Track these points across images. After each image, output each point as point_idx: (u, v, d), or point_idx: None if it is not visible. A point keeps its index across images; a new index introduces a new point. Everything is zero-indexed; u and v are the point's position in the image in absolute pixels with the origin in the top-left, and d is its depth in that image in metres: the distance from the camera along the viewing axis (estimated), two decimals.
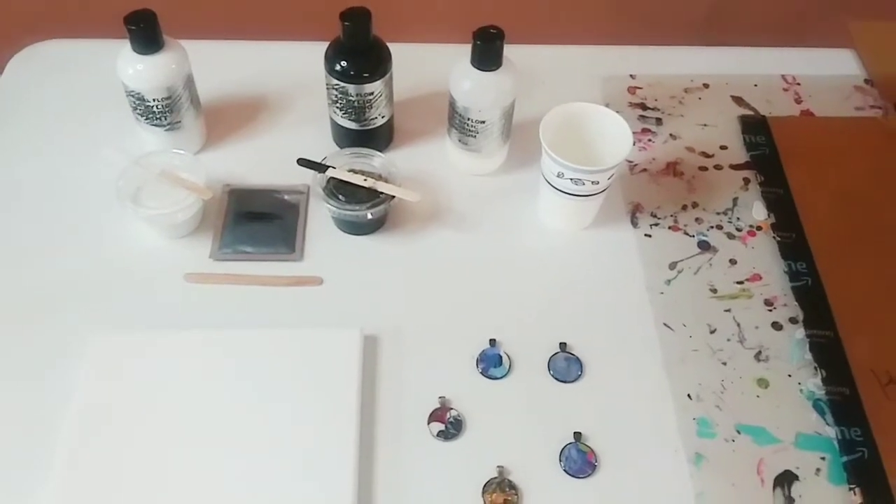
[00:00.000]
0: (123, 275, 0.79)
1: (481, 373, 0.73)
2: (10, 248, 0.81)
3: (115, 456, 0.66)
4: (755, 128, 0.95)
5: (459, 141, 0.85)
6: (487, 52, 0.78)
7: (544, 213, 0.85)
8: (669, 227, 0.85)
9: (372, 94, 0.82)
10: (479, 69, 0.79)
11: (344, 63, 0.81)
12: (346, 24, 0.79)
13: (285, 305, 0.77)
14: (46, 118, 0.92)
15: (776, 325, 0.78)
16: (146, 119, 0.83)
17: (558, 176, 0.78)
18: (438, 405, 0.71)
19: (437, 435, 0.69)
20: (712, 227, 0.85)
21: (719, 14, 1.21)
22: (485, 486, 0.67)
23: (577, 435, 0.70)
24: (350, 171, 0.81)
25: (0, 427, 0.69)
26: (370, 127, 0.86)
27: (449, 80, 0.82)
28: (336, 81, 0.82)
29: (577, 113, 0.81)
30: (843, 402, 0.73)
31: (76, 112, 0.93)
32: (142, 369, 0.71)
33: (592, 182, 0.77)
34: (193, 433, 0.67)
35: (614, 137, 0.79)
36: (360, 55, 0.81)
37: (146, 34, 0.78)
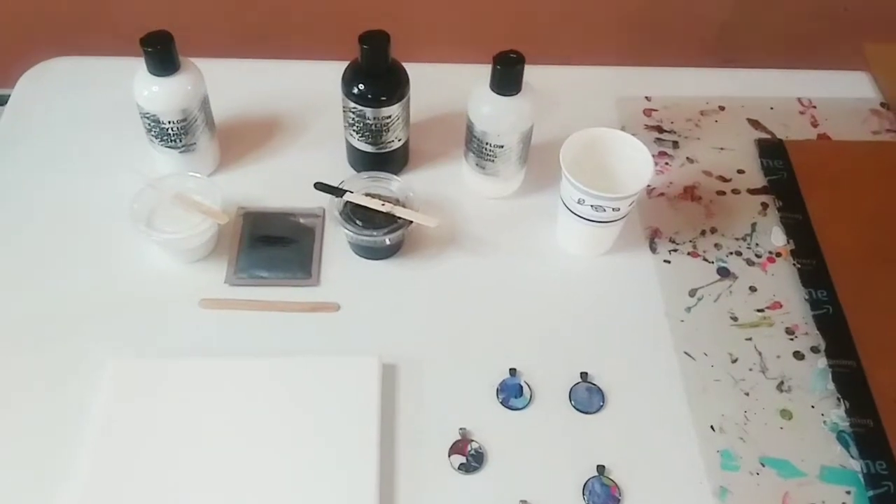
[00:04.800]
0: (137, 300, 0.78)
1: (502, 403, 0.72)
2: (21, 270, 0.80)
3: (132, 484, 0.65)
4: (772, 151, 0.94)
5: (477, 165, 0.85)
6: (508, 78, 0.77)
7: (563, 239, 0.84)
8: (688, 253, 0.84)
9: (389, 117, 0.81)
10: (498, 94, 0.78)
11: (361, 86, 0.80)
12: (365, 47, 0.78)
13: (302, 332, 0.76)
14: (57, 137, 0.91)
15: (798, 355, 0.77)
16: (160, 141, 0.82)
17: (579, 202, 0.77)
18: (459, 437, 0.70)
19: (459, 468, 0.68)
20: (731, 253, 0.85)
21: (730, 33, 1.21)
22: None
23: (601, 468, 0.69)
24: (367, 195, 0.80)
25: (14, 452, 0.68)
26: (386, 150, 0.85)
27: (467, 104, 0.81)
28: (353, 105, 0.81)
29: (595, 138, 0.80)
30: (867, 435, 0.72)
31: (87, 131, 0.92)
32: (159, 397, 0.70)
33: (613, 209, 0.76)
34: (209, 462, 0.66)
35: (633, 162, 0.79)
36: (377, 78, 0.80)
37: (162, 56, 0.77)
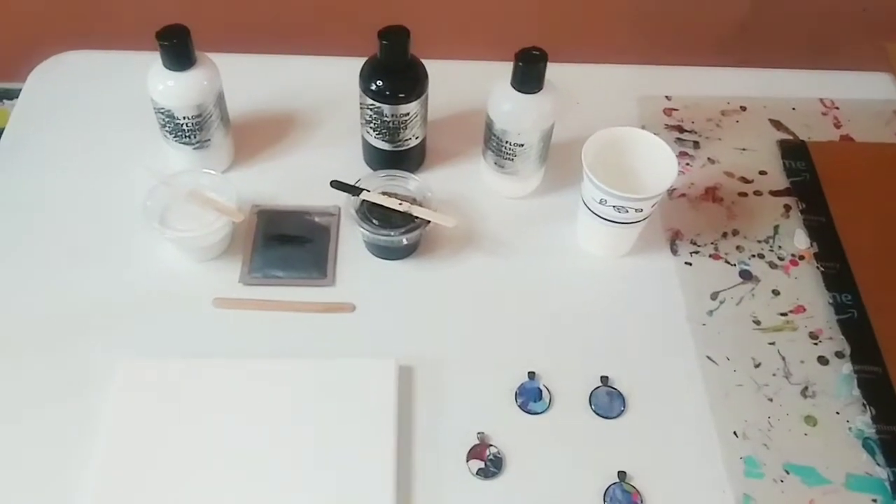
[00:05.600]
0: (150, 299, 0.76)
1: (520, 407, 0.71)
2: (32, 267, 0.78)
3: (145, 484, 0.64)
4: (795, 153, 0.92)
5: (495, 163, 0.83)
6: (530, 75, 0.76)
7: (583, 239, 0.82)
8: (710, 256, 0.83)
9: (407, 114, 0.80)
10: (519, 91, 0.77)
11: (380, 82, 0.78)
12: (384, 42, 0.76)
13: (317, 333, 0.75)
14: (69, 132, 0.90)
15: (822, 360, 0.76)
16: (175, 137, 0.81)
17: (601, 203, 0.75)
18: (477, 441, 0.69)
19: (477, 473, 0.67)
20: (754, 255, 0.83)
21: (749, 32, 1.19)
22: None
23: (622, 474, 0.67)
24: (384, 193, 0.79)
25: (26, 452, 0.67)
26: (403, 148, 0.84)
27: (487, 101, 0.80)
28: (371, 101, 0.79)
29: (618, 137, 0.78)
30: (893, 442, 0.70)
31: (100, 126, 0.90)
32: (170, 397, 0.68)
33: (636, 210, 0.75)
34: (222, 465, 0.65)
35: (655, 163, 0.77)
36: (396, 75, 0.79)
37: (178, 50, 0.76)
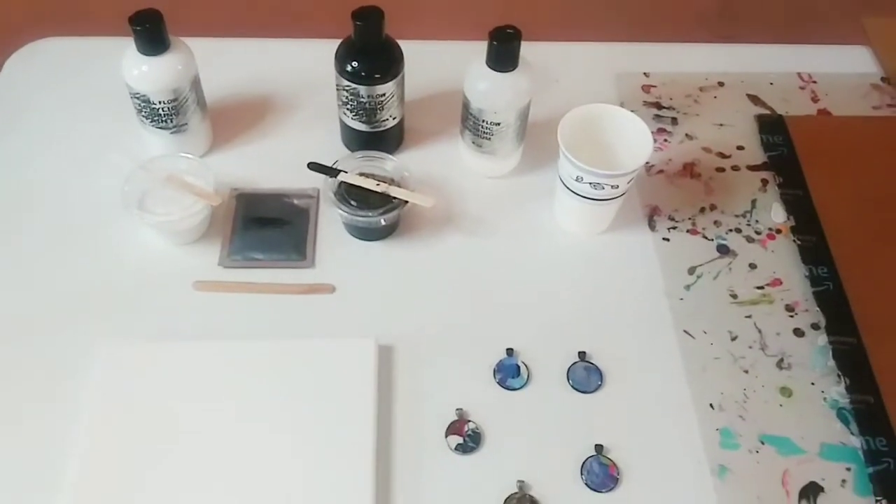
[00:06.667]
0: (130, 283, 0.77)
1: (499, 383, 0.72)
2: (10, 254, 0.79)
3: (127, 469, 0.64)
4: (772, 127, 0.93)
5: (473, 143, 0.83)
6: (504, 53, 0.76)
7: (561, 217, 0.83)
8: (688, 231, 0.83)
9: (384, 95, 0.80)
10: (494, 70, 0.77)
11: (355, 63, 0.78)
12: (358, 23, 0.76)
13: (297, 314, 0.76)
14: (47, 120, 0.90)
15: (798, 332, 0.77)
16: (151, 121, 0.81)
17: (577, 180, 0.76)
18: (456, 417, 0.69)
19: (456, 448, 0.68)
20: (731, 230, 0.84)
21: (727, 7, 1.19)
22: (505, 501, 0.65)
23: (599, 447, 0.68)
24: (361, 174, 0.79)
25: (8, 438, 0.67)
26: (381, 129, 0.84)
27: (463, 80, 0.80)
28: (347, 82, 0.79)
29: (594, 114, 0.79)
30: (867, 411, 0.71)
31: (77, 113, 0.90)
32: (152, 380, 0.69)
33: (612, 186, 0.75)
34: (204, 447, 0.66)
35: (632, 139, 0.77)
36: (371, 55, 0.79)
37: (152, 35, 0.75)
